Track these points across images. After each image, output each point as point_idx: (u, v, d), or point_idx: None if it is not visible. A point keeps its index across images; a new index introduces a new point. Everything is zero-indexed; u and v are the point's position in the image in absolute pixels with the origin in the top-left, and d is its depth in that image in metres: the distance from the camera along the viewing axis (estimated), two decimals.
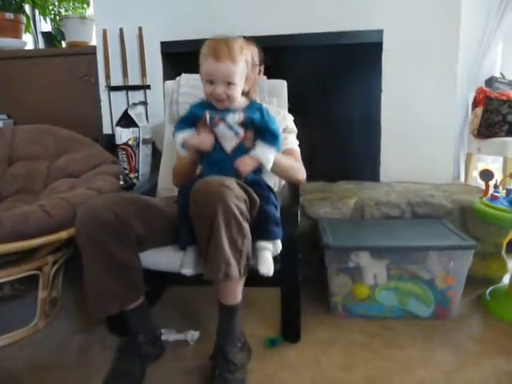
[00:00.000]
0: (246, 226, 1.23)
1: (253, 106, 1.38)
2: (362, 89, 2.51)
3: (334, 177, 2.59)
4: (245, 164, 1.31)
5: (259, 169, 1.38)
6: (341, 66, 2.49)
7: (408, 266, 1.72)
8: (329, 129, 2.60)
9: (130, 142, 2.30)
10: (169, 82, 2.07)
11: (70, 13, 2.73)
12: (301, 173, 1.61)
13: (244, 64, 1.32)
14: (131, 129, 2.31)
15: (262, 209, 1.32)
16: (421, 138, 2.45)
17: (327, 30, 2.37)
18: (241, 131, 1.34)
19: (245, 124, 1.33)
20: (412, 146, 2.46)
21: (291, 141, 1.70)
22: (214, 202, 1.15)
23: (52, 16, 2.79)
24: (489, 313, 1.78)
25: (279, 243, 1.39)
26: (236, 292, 1.31)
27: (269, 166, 1.35)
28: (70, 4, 2.75)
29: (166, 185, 1.90)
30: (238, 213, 1.18)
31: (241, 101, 1.38)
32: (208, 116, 1.33)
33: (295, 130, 1.76)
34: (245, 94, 1.41)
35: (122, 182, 1.99)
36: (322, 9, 2.37)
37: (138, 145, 2.32)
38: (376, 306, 1.75)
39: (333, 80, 2.50)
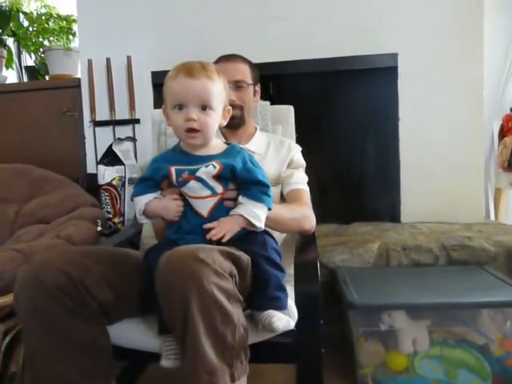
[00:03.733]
0: (237, 310, 0.88)
1: (231, 151, 1.06)
2: (377, 118, 2.26)
3: (347, 218, 2.31)
4: (222, 230, 0.97)
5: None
6: (353, 94, 2.26)
7: (454, 327, 1.39)
8: (340, 163, 2.32)
9: (113, 183, 2.02)
10: (157, 111, 1.79)
11: (54, 44, 2.51)
12: (308, 221, 1.28)
13: (222, 87, 1.03)
14: (116, 167, 2.04)
15: (256, 267, 0.99)
16: (446, 172, 2.18)
17: (337, 55, 2.17)
18: (219, 187, 1.01)
19: (222, 176, 1.01)
20: (436, 181, 2.19)
21: (297, 179, 1.38)
22: (184, 286, 0.82)
23: (33, 48, 2.56)
24: None
25: (293, 310, 1.06)
26: None
27: (260, 225, 1.02)
28: (55, 36, 2.53)
29: (153, 232, 1.58)
30: (220, 296, 0.83)
31: (216, 144, 1.07)
32: (174, 172, 1.02)
33: (303, 163, 1.46)
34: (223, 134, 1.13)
35: (99, 228, 1.68)
36: (332, 33, 2.19)
37: (123, 185, 2.02)
38: (416, 380, 1.41)
39: (344, 108, 2.25)
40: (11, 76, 2.86)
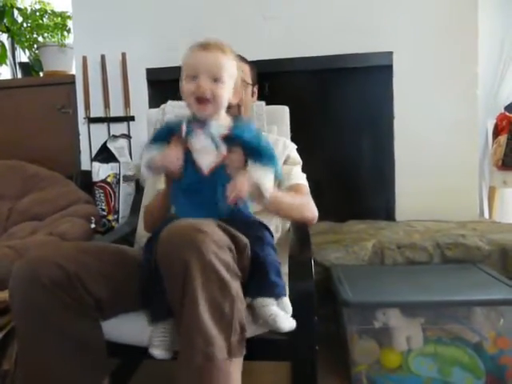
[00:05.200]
0: (235, 283, 0.89)
1: (240, 120, 1.10)
2: (372, 116, 2.25)
3: (342, 216, 2.30)
4: (238, 186, 0.96)
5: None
6: (348, 92, 2.25)
7: (448, 325, 1.39)
8: (335, 161, 2.31)
9: (108, 180, 2.00)
10: (152, 111, 1.80)
11: (48, 40, 2.49)
12: (310, 210, 1.30)
13: (234, 64, 1.05)
14: (110, 164, 2.02)
15: (254, 254, 0.99)
16: (441, 170, 2.18)
17: (332, 53, 2.16)
18: (224, 148, 1.02)
19: (229, 140, 1.02)
20: (431, 179, 2.18)
21: (296, 174, 1.39)
22: (184, 253, 0.83)
23: (27, 44, 2.55)
24: None
25: (287, 301, 1.05)
26: None
27: (267, 192, 1.00)
28: (49, 33, 2.50)
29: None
30: (219, 265, 0.84)
31: (226, 117, 1.09)
32: (185, 126, 1.03)
33: (299, 160, 1.46)
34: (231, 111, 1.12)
35: (93, 225, 1.67)
36: (326, 30, 2.17)
37: (117, 182, 2.01)
38: (410, 378, 1.40)
39: (339, 106, 2.25)
40: (5, 72, 2.84)
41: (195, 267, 0.82)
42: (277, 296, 0.99)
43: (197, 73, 1.00)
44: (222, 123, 1.04)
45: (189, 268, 0.82)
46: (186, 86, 1.02)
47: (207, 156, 1.02)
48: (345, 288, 1.43)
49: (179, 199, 1.05)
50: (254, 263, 0.99)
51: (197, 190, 1.01)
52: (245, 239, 0.97)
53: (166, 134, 1.06)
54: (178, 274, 0.83)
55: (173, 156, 1.01)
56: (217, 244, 0.86)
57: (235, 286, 0.88)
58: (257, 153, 1.02)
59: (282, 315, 0.96)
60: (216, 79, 1.00)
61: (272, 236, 1.10)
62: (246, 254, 0.97)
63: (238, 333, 0.87)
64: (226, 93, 1.03)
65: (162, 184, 1.34)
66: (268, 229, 1.10)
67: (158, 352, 0.94)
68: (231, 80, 1.04)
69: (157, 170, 1.05)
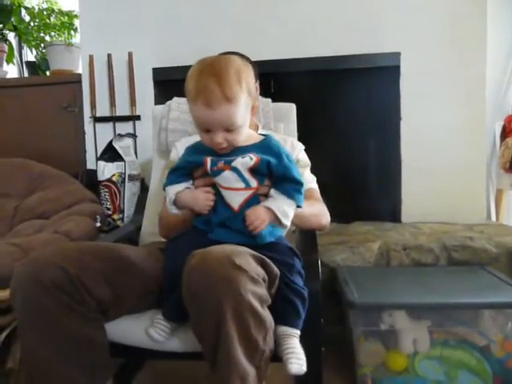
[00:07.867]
0: (269, 316, 0.88)
1: (268, 144, 1.02)
2: (379, 117, 2.24)
3: (347, 217, 2.29)
4: (258, 217, 0.94)
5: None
6: (355, 92, 2.23)
7: (455, 328, 1.37)
8: (341, 161, 2.30)
9: (113, 179, 1.99)
10: (157, 107, 1.79)
11: (55, 39, 2.50)
12: (324, 217, 1.28)
13: (246, 97, 0.95)
14: (116, 163, 2.01)
15: (285, 283, 0.97)
16: (447, 172, 2.17)
17: (339, 54, 2.16)
18: (253, 182, 0.98)
19: (258, 170, 0.97)
20: (438, 181, 2.18)
21: (307, 178, 1.35)
22: (220, 293, 0.80)
23: (34, 43, 2.55)
24: None
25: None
26: None
27: (287, 222, 0.99)
28: (56, 32, 2.51)
29: (152, 229, 1.56)
30: (256, 303, 0.83)
31: (251, 135, 1.04)
32: (209, 161, 0.99)
33: (308, 163, 1.43)
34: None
35: (98, 224, 1.66)
36: (333, 31, 2.17)
37: (123, 181, 2.01)
38: (416, 381, 1.39)
39: (346, 107, 2.24)
40: (12, 71, 2.84)
41: (230, 308, 0.80)
42: (298, 327, 0.98)
43: (208, 128, 0.95)
44: (247, 155, 0.97)
45: (224, 308, 0.80)
46: (203, 137, 0.98)
47: (236, 193, 0.98)
48: (351, 289, 1.41)
49: (209, 229, 0.99)
50: (283, 290, 0.97)
51: (228, 223, 0.98)
52: (276, 269, 0.94)
53: (187, 168, 1.03)
54: (211, 310, 0.81)
55: (202, 199, 0.98)
56: (253, 280, 0.84)
57: (269, 318, 0.88)
58: (283, 182, 0.99)
59: (297, 354, 0.93)
60: (230, 129, 0.95)
61: (300, 260, 1.07)
62: (275, 284, 0.95)
63: (267, 359, 0.89)
64: (244, 130, 0.98)
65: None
66: (297, 255, 1.06)
67: (156, 334, 0.97)
68: (246, 115, 0.98)
69: (184, 209, 1.02)
